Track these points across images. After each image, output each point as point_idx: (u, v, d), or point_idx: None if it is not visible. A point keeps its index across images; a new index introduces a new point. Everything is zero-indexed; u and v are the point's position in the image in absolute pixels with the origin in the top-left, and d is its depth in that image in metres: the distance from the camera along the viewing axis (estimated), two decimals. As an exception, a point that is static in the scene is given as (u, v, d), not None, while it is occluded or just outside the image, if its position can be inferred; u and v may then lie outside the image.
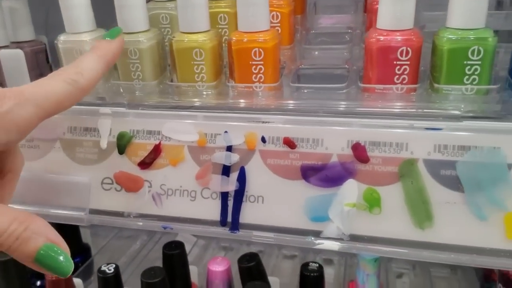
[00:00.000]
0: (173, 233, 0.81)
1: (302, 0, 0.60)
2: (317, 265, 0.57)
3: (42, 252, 0.30)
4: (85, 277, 0.71)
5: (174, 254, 0.63)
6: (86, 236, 0.79)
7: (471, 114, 0.38)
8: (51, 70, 0.58)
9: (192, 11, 0.45)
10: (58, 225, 0.74)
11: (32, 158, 0.46)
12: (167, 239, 0.65)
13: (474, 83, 0.39)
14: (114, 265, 0.59)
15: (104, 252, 0.82)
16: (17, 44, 0.60)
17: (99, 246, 0.83)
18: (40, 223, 0.31)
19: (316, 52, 0.52)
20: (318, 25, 0.57)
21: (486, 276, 0.65)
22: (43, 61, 0.60)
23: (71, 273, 0.32)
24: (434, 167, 0.36)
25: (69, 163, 0.44)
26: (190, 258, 0.81)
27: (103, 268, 0.59)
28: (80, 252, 0.76)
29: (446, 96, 0.40)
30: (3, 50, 0.53)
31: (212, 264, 0.59)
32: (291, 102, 0.42)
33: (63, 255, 0.31)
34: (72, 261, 0.32)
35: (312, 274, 0.56)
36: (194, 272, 0.68)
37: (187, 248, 0.83)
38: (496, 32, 0.61)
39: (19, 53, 0.53)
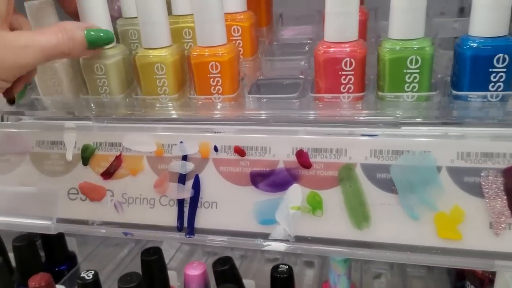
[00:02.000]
0: (158, 240, 0.83)
1: (268, 13, 0.63)
2: (287, 267, 0.59)
3: (88, 35, 0.43)
4: (70, 284, 0.73)
5: (152, 260, 0.65)
6: (72, 245, 0.82)
7: (410, 120, 0.40)
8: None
9: (152, 28, 0.48)
10: (43, 235, 0.76)
11: (3, 171, 0.48)
12: (153, 245, 0.67)
13: (414, 90, 0.41)
14: (93, 272, 0.61)
15: (91, 260, 0.84)
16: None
17: (86, 254, 0.85)
18: (70, 23, 0.43)
19: (277, 63, 0.54)
20: (281, 37, 0.59)
21: (459, 275, 0.67)
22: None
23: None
24: (370, 171, 0.38)
25: (38, 175, 0.47)
26: (174, 263, 0.84)
27: (82, 275, 0.61)
28: (66, 260, 0.78)
29: (389, 104, 0.42)
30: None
31: (189, 269, 0.62)
32: (246, 112, 0.45)
33: (101, 30, 0.45)
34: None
35: (281, 276, 0.58)
36: (173, 277, 0.70)
37: (170, 253, 0.86)
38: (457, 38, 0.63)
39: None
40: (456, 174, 0.36)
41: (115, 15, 0.64)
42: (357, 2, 0.42)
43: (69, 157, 0.46)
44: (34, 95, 0.55)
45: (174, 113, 0.46)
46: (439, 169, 0.36)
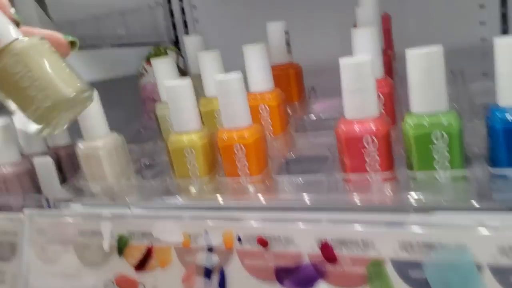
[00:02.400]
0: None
1: (299, 87, 0.63)
2: None
3: None
4: None
5: None
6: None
7: (443, 205, 0.36)
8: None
9: (181, 114, 0.50)
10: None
11: (48, 262, 0.51)
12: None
13: (445, 168, 0.38)
14: None
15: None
16: (54, 149, 0.69)
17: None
18: None
19: (306, 139, 0.53)
20: (311, 111, 0.59)
21: None
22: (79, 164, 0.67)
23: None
24: (402, 267, 0.34)
25: (78, 265, 0.49)
26: None
27: None
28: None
29: (420, 184, 0.39)
30: (36, 158, 0.61)
31: None
32: (271, 197, 0.44)
33: None
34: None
35: None
36: None
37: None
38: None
39: (48, 161, 0.61)
40: (502, 274, 0.31)
41: (157, 99, 0.67)
42: (373, 77, 0.40)
43: (106, 247, 0.48)
44: (82, 180, 0.58)
45: (195, 200, 0.47)
46: (479, 267, 0.32)
